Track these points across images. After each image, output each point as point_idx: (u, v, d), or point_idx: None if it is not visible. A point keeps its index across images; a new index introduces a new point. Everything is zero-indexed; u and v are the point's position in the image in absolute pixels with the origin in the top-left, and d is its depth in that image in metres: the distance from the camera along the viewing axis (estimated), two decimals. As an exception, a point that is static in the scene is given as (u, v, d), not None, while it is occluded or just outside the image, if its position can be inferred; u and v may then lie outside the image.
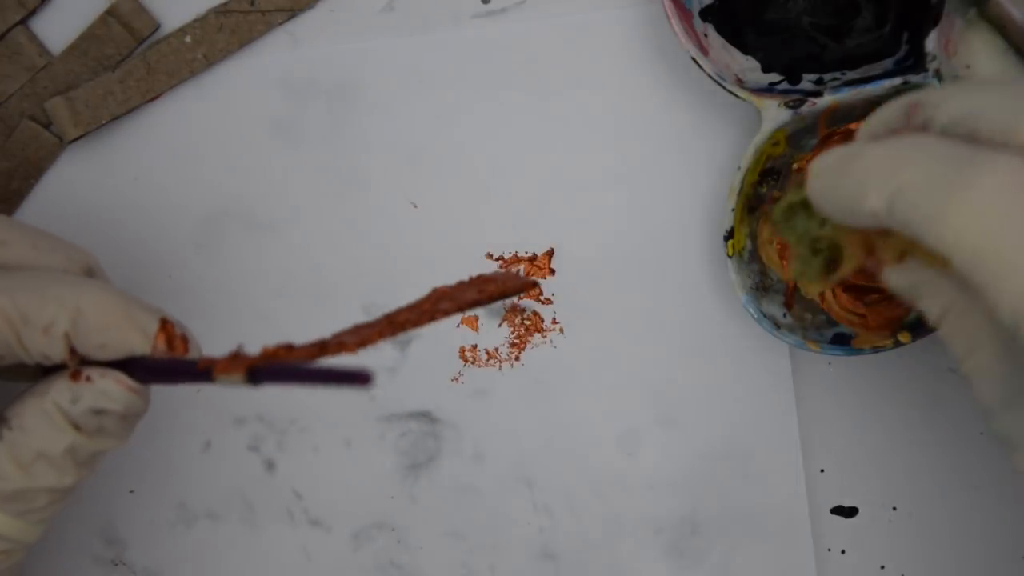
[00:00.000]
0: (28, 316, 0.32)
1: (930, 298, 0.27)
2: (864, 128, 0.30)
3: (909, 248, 0.28)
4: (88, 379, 0.32)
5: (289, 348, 0.30)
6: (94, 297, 0.32)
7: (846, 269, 0.31)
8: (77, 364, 0.32)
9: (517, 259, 0.42)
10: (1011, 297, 0.22)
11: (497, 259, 0.42)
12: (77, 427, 0.32)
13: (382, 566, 0.43)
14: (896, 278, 0.29)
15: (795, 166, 0.40)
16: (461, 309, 0.31)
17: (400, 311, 0.31)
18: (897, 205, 0.25)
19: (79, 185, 0.42)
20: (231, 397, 0.43)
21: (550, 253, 0.42)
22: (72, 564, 0.43)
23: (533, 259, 0.42)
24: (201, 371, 0.31)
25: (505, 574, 0.43)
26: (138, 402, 0.33)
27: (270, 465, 0.43)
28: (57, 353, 0.32)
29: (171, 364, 0.33)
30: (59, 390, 0.32)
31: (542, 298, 0.42)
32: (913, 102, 0.28)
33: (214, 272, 0.40)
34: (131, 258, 0.42)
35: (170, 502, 0.43)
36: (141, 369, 0.33)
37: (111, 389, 0.32)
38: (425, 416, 0.43)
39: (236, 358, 0.30)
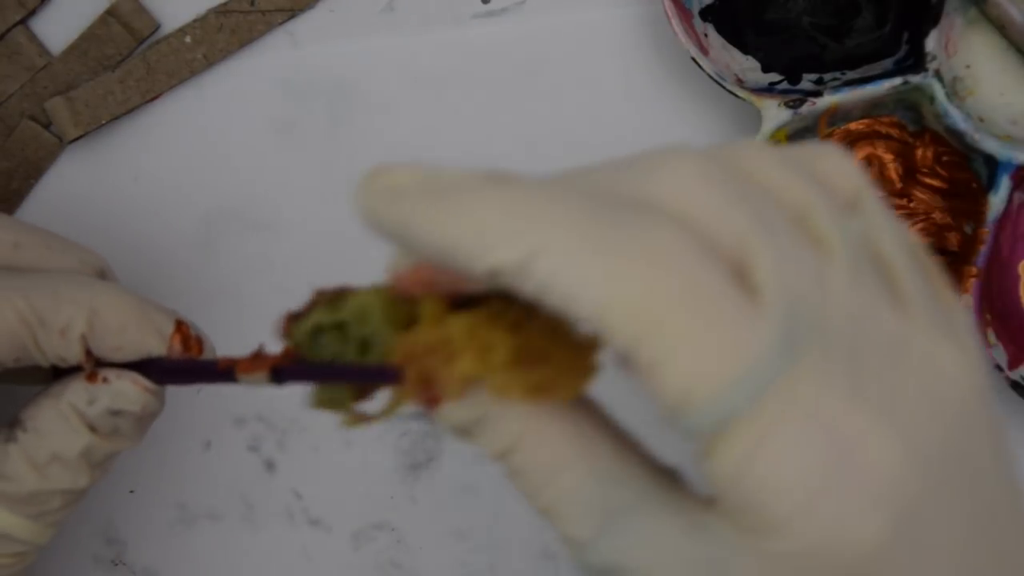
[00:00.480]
0: (44, 318, 0.32)
1: (494, 432, 0.23)
2: None
3: (479, 372, 0.22)
4: (105, 380, 0.32)
5: None
6: (109, 299, 0.32)
7: (392, 408, 0.24)
8: (93, 366, 0.32)
9: (517, 259, 0.42)
10: (682, 377, 0.20)
11: (497, 259, 0.42)
12: (93, 429, 0.32)
13: (382, 566, 0.43)
14: (458, 414, 0.23)
15: None
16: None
17: None
18: (536, 270, 0.20)
19: (79, 185, 0.42)
20: (231, 397, 0.43)
21: (550, 253, 0.42)
22: (72, 564, 0.43)
23: (533, 259, 0.42)
24: (223, 371, 0.31)
25: (505, 574, 0.43)
26: (154, 403, 0.33)
27: (270, 465, 0.43)
28: (73, 355, 0.32)
29: (190, 365, 0.33)
30: (75, 392, 0.32)
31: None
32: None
33: (214, 272, 0.40)
34: (131, 258, 0.42)
35: (170, 502, 0.43)
36: (157, 370, 0.33)
37: (128, 390, 0.33)
38: (425, 416, 0.43)
39: (258, 357, 0.30)
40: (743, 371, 0.19)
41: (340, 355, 0.25)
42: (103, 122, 0.41)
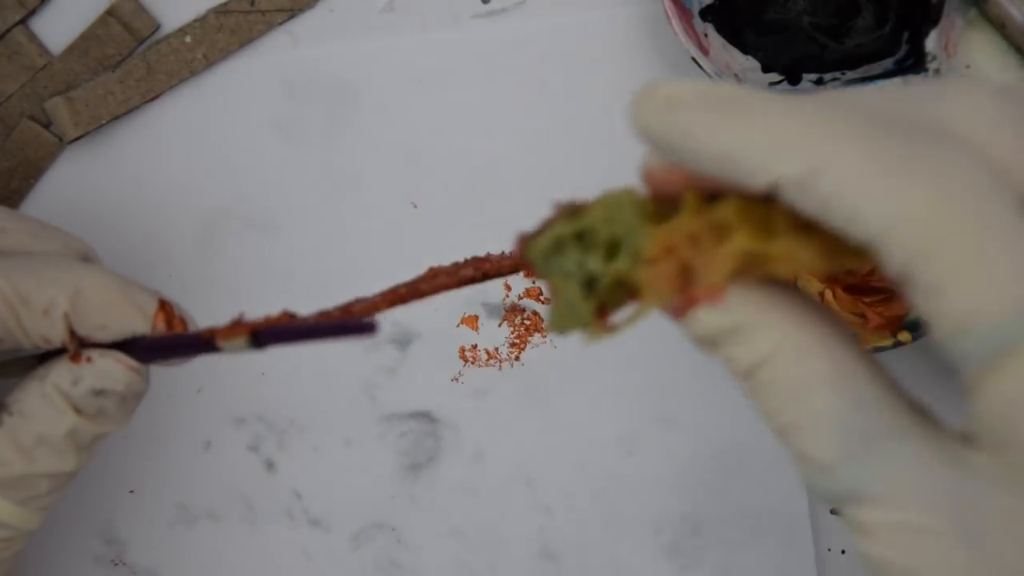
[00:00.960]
0: (27, 298, 0.32)
1: (750, 341, 0.22)
2: None
3: (759, 247, 0.21)
4: (89, 360, 0.32)
5: (291, 316, 0.30)
6: (92, 279, 0.33)
7: (643, 311, 0.23)
8: (77, 346, 0.32)
9: (517, 259, 0.42)
10: (962, 302, 0.19)
11: (497, 259, 0.42)
12: (78, 410, 0.33)
13: (382, 566, 0.43)
14: (714, 320, 0.22)
15: None
16: (458, 285, 0.31)
17: (399, 286, 0.31)
18: (819, 185, 0.20)
19: (79, 185, 0.43)
20: (231, 397, 0.43)
21: (550, 253, 0.42)
22: (72, 564, 0.43)
23: (533, 259, 0.42)
24: (204, 341, 0.31)
25: (505, 573, 0.43)
26: (138, 382, 0.33)
27: (270, 465, 0.43)
28: (57, 335, 0.32)
29: (173, 339, 0.33)
30: (59, 373, 0.32)
31: (542, 298, 0.42)
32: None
33: (214, 271, 0.40)
34: (131, 257, 0.42)
35: (170, 502, 0.43)
36: (141, 349, 0.33)
37: (112, 369, 0.33)
38: (425, 416, 0.43)
39: (237, 324, 0.30)
40: (1020, 305, 0.19)
41: (583, 265, 0.24)
42: (103, 122, 0.41)
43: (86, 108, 0.41)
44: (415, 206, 0.42)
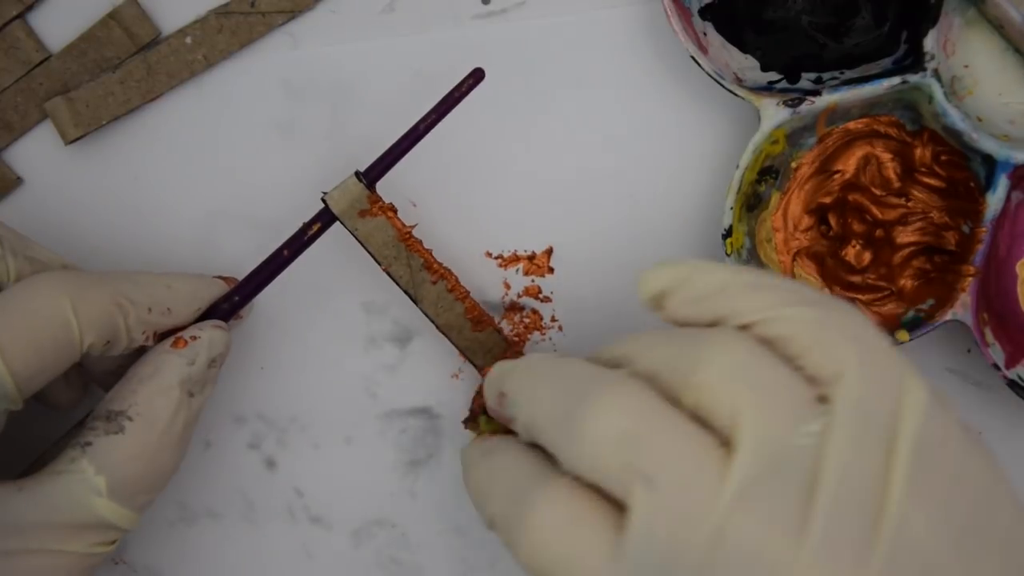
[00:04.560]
0: (132, 298, 0.34)
1: None
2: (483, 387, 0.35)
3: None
4: (194, 338, 0.36)
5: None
6: (173, 276, 0.37)
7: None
8: (175, 332, 0.36)
9: (516, 257, 0.42)
10: None
11: (496, 257, 0.42)
12: (191, 394, 0.35)
13: (383, 563, 0.43)
14: None
15: (793, 164, 0.40)
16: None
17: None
18: (496, 530, 0.29)
19: (79, 185, 0.42)
20: (231, 396, 0.43)
21: (549, 251, 0.42)
22: (73, 562, 0.43)
23: (532, 257, 0.42)
24: (276, 258, 0.38)
25: (505, 570, 0.43)
26: (229, 339, 0.37)
27: (270, 463, 0.43)
28: (162, 328, 0.36)
29: (250, 281, 0.38)
30: (170, 363, 0.35)
31: (541, 296, 0.42)
32: (499, 392, 0.32)
33: (214, 272, 0.40)
34: (131, 258, 0.42)
35: (170, 501, 0.43)
36: (219, 313, 0.38)
37: (217, 335, 0.37)
38: (425, 413, 0.43)
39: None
40: None
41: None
42: (103, 122, 0.41)
43: (86, 108, 0.41)
44: (415, 205, 0.42)
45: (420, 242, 0.39)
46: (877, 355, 0.25)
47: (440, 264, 0.39)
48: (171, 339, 0.35)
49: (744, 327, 0.27)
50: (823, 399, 0.25)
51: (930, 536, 0.23)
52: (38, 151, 0.42)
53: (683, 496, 0.24)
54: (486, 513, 0.30)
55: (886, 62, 0.39)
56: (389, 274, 0.38)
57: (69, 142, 0.41)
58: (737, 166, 0.39)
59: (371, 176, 0.38)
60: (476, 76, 0.38)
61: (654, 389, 0.27)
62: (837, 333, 0.26)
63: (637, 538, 0.25)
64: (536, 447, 0.30)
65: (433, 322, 0.39)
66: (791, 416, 0.24)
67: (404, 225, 0.38)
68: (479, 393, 0.40)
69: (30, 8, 0.42)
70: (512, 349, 0.41)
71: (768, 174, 0.40)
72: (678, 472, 0.25)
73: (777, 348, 0.26)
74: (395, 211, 0.38)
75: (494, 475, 0.30)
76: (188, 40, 0.41)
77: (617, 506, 0.26)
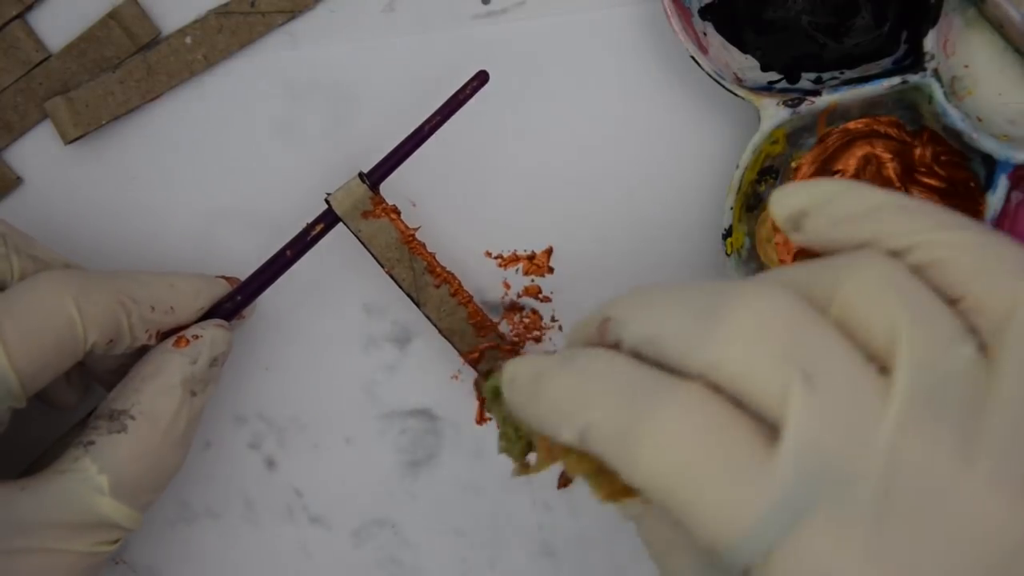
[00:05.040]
0: (135, 296, 0.34)
1: (624, 507, 0.27)
2: (567, 337, 0.31)
3: (592, 472, 0.27)
4: (196, 337, 0.36)
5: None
6: (175, 276, 0.37)
7: (538, 468, 0.29)
8: (177, 332, 0.36)
9: (516, 257, 0.42)
10: (702, 528, 0.22)
11: (496, 257, 0.42)
12: (193, 393, 0.35)
13: (382, 563, 0.43)
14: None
15: (793, 164, 0.40)
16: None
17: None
18: (589, 442, 0.24)
19: (79, 185, 0.42)
20: (232, 396, 0.43)
21: (549, 251, 0.42)
22: (73, 562, 0.43)
23: (532, 257, 0.42)
24: (279, 259, 0.38)
25: (505, 571, 0.43)
26: (231, 339, 0.37)
27: (270, 463, 0.43)
28: (165, 327, 0.36)
29: (253, 280, 0.38)
30: (172, 362, 0.35)
31: (541, 296, 0.42)
32: (604, 318, 0.27)
33: (214, 272, 0.40)
34: (131, 258, 0.42)
35: (171, 500, 0.43)
36: (221, 313, 0.38)
37: (219, 334, 0.37)
38: (425, 413, 0.43)
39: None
40: (747, 528, 0.21)
41: (507, 419, 0.30)
42: (103, 122, 0.41)
43: (86, 108, 0.41)
44: (414, 204, 0.42)
45: (423, 245, 0.39)
46: None
47: (443, 268, 0.39)
48: (173, 338, 0.36)
49: (895, 254, 0.24)
50: (975, 329, 0.23)
51: None
52: (38, 151, 0.42)
53: (849, 404, 0.22)
54: (580, 421, 0.24)
55: (886, 62, 0.39)
56: (392, 276, 0.38)
57: (69, 142, 0.41)
58: (737, 166, 0.39)
59: (374, 177, 0.38)
60: (480, 78, 0.38)
61: (801, 296, 0.24)
62: (1005, 264, 0.23)
63: (796, 446, 0.22)
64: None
65: (436, 326, 0.39)
66: (949, 339, 0.23)
67: (407, 228, 0.38)
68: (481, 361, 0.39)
69: (30, 8, 0.42)
70: (511, 350, 0.41)
71: (768, 174, 0.40)
72: (841, 375, 0.22)
73: (934, 274, 0.24)
74: (398, 213, 0.38)
75: (591, 380, 0.25)
76: (188, 40, 0.41)
77: (762, 421, 0.23)
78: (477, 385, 0.40)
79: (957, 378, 0.22)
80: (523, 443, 0.30)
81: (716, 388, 0.23)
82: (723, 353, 0.23)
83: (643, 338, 0.25)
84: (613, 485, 0.26)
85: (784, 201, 0.27)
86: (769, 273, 0.26)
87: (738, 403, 0.23)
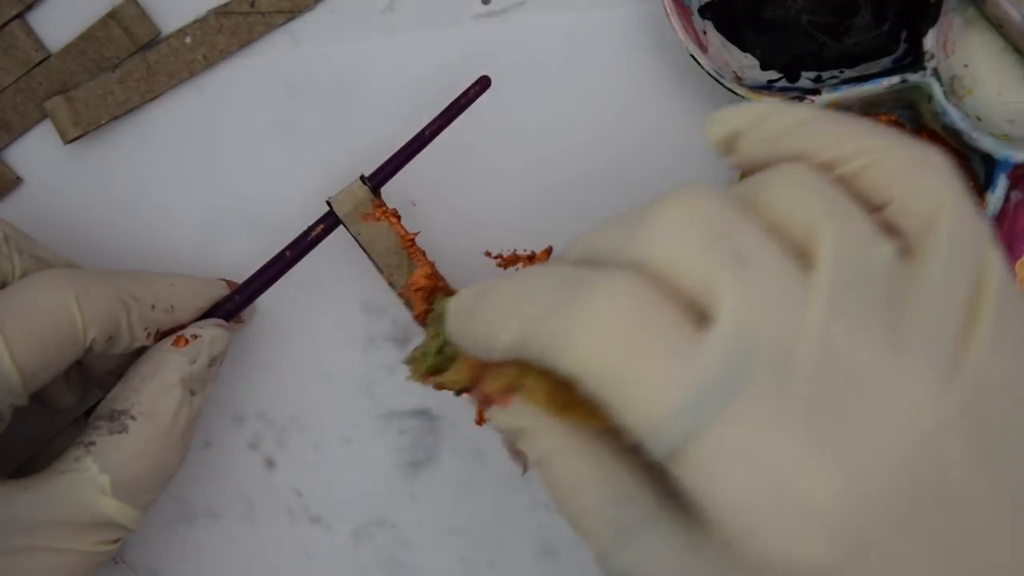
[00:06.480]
0: (136, 295, 0.34)
1: (532, 441, 0.26)
2: None
3: (515, 385, 0.26)
4: (195, 337, 0.36)
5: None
6: (175, 276, 0.37)
7: (446, 381, 0.30)
8: (177, 331, 0.36)
9: (516, 257, 0.42)
10: (634, 413, 0.22)
11: (496, 257, 0.42)
12: (192, 392, 0.35)
13: (382, 563, 0.43)
14: (500, 419, 0.27)
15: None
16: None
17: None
18: (526, 337, 0.24)
19: (79, 185, 0.42)
20: (231, 396, 0.43)
21: (549, 251, 0.42)
22: (73, 562, 0.43)
23: (532, 257, 0.42)
24: (276, 263, 0.38)
25: (505, 570, 0.43)
26: (228, 339, 0.37)
27: (270, 463, 0.43)
28: (165, 326, 0.36)
29: (252, 282, 0.39)
30: (172, 362, 0.35)
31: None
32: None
33: (214, 272, 0.40)
34: (130, 258, 0.42)
35: (170, 500, 0.43)
36: (220, 313, 0.38)
37: (218, 334, 0.37)
38: (424, 414, 0.43)
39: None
40: (676, 406, 0.21)
41: (439, 335, 0.30)
42: (103, 122, 0.41)
43: (86, 108, 0.41)
44: (414, 204, 0.42)
45: (423, 252, 0.39)
46: (967, 204, 0.24)
47: (441, 277, 0.39)
48: (172, 337, 0.36)
49: (825, 167, 0.25)
50: (901, 232, 0.24)
51: (1009, 381, 0.23)
52: (38, 151, 0.42)
53: (779, 288, 0.22)
54: (514, 323, 0.24)
55: (886, 61, 0.39)
56: (391, 284, 0.38)
57: (68, 142, 0.41)
58: (737, 165, 0.39)
59: (375, 181, 0.38)
60: (482, 84, 0.38)
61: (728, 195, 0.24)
62: (927, 167, 0.24)
63: (728, 326, 0.22)
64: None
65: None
66: (870, 235, 0.23)
67: (407, 232, 0.38)
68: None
69: (29, 8, 0.42)
70: None
71: (768, 174, 0.40)
72: (770, 260, 0.22)
73: (860, 183, 0.24)
74: (399, 217, 0.38)
75: (529, 281, 0.25)
76: (188, 40, 0.41)
77: (693, 307, 0.23)
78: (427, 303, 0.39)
79: (879, 273, 0.23)
80: (438, 360, 0.31)
81: (649, 278, 0.23)
82: (652, 239, 0.23)
83: (584, 250, 0.26)
84: (554, 398, 0.26)
85: (718, 123, 0.27)
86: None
87: (671, 291, 0.23)
